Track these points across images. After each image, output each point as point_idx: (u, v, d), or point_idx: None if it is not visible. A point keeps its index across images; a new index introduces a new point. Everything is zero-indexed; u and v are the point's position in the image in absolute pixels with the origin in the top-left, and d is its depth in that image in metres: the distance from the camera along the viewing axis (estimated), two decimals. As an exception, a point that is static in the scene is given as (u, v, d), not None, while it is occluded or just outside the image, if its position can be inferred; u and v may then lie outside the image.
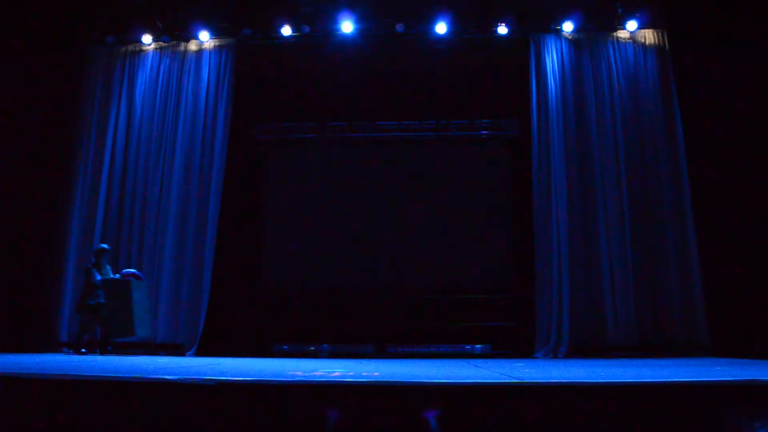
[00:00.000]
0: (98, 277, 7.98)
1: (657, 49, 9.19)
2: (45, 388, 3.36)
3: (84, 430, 3.19)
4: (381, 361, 6.80)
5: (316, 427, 3.01)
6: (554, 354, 8.27)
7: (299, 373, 4.13)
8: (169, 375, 3.53)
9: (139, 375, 3.58)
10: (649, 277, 8.50)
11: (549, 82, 9.15)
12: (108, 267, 8.19)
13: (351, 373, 4.23)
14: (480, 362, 6.54)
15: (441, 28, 9.14)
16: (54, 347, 8.57)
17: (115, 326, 7.93)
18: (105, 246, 8.34)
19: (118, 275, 8.10)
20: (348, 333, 9.39)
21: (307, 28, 9.28)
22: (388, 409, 3.11)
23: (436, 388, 3.21)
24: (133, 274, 8.17)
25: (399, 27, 9.19)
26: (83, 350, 7.85)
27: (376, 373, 4.21)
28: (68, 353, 8.19)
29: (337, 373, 4.14)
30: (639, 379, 3.47)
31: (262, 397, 3.22)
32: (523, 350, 8.71)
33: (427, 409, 3.00)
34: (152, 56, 9.69)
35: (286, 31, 9.27)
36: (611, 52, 9.27)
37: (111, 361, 5.88)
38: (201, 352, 8.48)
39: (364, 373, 4.19)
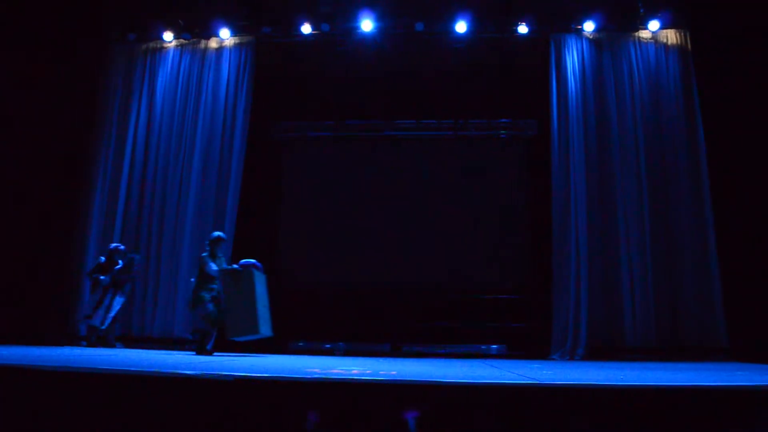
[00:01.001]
0: (214, 267, 7.09)
1: (679, 49, 9.10)
2: (64, 381, 3.41)
3: (102, 422, 3.23)
4: (397, 359, 6.80)
5: (338, 422, 3.02)
6: (571, 355, 8.22)
7: (317, 370, 4.15)
8: (188, 370, 3.56)
9: (158, 369, 3.61)
10: (668, 280, 8.42)
11: (569, 82, 9.09)
12: (223, 258, 7.39)
13: (369, 371, 4.23)
14: (496, 363, 6.53)
15: (461, 27, 9.13)
16: (73, 341, 8.68)
17: (236, 323, 6.89)
18: (221, 234, 7.46)
19: (236, 266, 7.16)
20: (363, 331, 9.39)
21: (326, 27, 9.31)
22: (403, 408, 3.11)
23: (449, 387, 3.20)
24: (252, 264, 7.12)
25: (418, 26, 9.20)
26: (208, 347, 6.98)
27: (394, 372, 4.21)
28: (86, 346, 8.27)
29: (355, 371, 4.15)
30: (657, 382, 3.44)
31: (279, 393, 3.23)
32: (539, 351, 8.65)
33: (410, 409, 3.01)
34: (173, 54, 9.77)
35: (306, 29, 9.30)
36: (632, 52, 9.19)
37: (131, 356, 5.94)
38: (216, 348, 8.51)
39: (381, 372, 4.19)
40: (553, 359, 8.17)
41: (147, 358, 5.68)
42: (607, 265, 8.60)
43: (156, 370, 3.60)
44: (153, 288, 9.02)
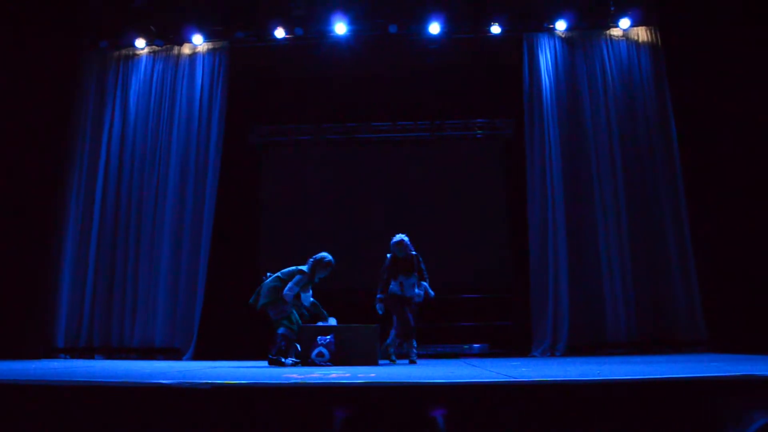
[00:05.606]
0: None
1: (650, 46, 9.22)
2: (42, 395, 3.36)
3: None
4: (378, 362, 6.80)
5: (313, 430, 3.02)
6: (551, 352, 8.28)
7: (295, 375, 4.14)
8: (165, 379, 3.53)
9: (134, 379, 3.58)
10: (647, 275, 8.51)
11: (543, 81, 9.17)
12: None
13: (347, 375, 4.23)
14: (477, 362, 6.56)
15: (434, 28, 9.16)
16: (51, 353, 8.58)
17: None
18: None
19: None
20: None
21: (300, 30, 9.28)
22: (383, 410, 3.11)
23: (431, 388, 3.21)
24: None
25: (392, 28, 9.21)
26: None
27: (373, 375, 4.21)
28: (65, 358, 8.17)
29: (333, 375, 4.15)
30: (633, 375, 3.48)
31: (258, 400, 3.22)
32: (520, 349, 8.72)
33: (432, 408, 3.01)
34: (146, 61, 9.70)
35: (280, 33, 9.27)
36: (604, 50, 9.30)
37: (107, 366, 5.88)
38: (198, 356, 8.47)
39: (360, 375, 4.19)
40: (534, 356, 8.22)
41: (124, 368, 5.61)
42: (586, 261, 8.68)
43: (133, 380, 3.57)
44: (131, 298, 8.92)
